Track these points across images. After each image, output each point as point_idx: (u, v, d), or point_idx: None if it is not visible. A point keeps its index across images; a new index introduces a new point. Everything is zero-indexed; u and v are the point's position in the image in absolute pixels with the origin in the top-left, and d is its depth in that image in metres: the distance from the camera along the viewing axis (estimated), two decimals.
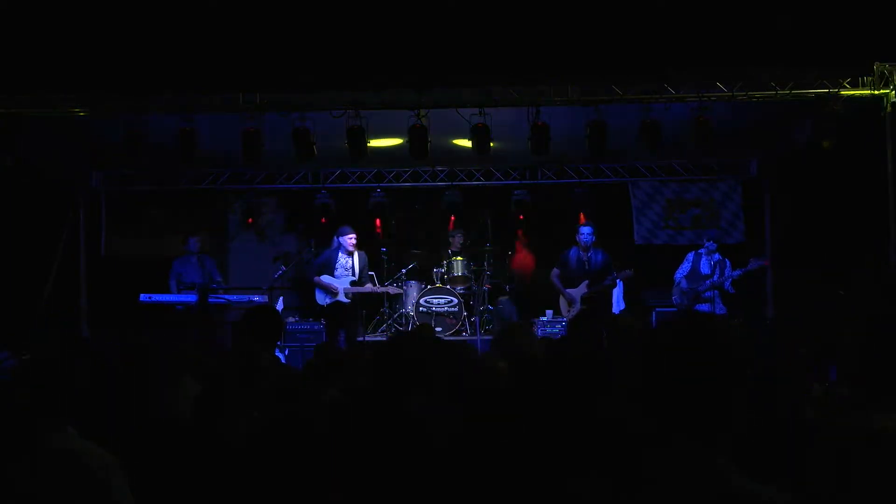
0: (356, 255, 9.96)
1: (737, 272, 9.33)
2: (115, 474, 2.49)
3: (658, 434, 1.60)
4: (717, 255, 9.63)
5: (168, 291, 10.23)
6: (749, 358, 1.62)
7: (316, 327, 10.44)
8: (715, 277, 9.42)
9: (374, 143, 9.15)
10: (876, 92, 8.08)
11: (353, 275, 9.94)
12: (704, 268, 9.58)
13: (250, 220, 12.30)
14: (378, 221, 12.13)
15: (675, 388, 1.59)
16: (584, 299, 9.45)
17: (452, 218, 12.07)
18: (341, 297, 9.86)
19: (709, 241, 9.74)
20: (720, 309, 9.48)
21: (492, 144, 8.73)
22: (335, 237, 10.17)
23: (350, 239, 9.93)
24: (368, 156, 9.06)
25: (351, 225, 10.24)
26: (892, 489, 1.87)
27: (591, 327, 9.14)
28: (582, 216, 11.14)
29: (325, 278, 9.92)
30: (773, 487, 1.54)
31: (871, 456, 1.88)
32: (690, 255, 9.77)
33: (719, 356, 1.60)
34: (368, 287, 10.08)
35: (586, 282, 9.43)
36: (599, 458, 2.02)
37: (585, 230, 9.49)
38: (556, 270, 9.69)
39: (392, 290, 10.40)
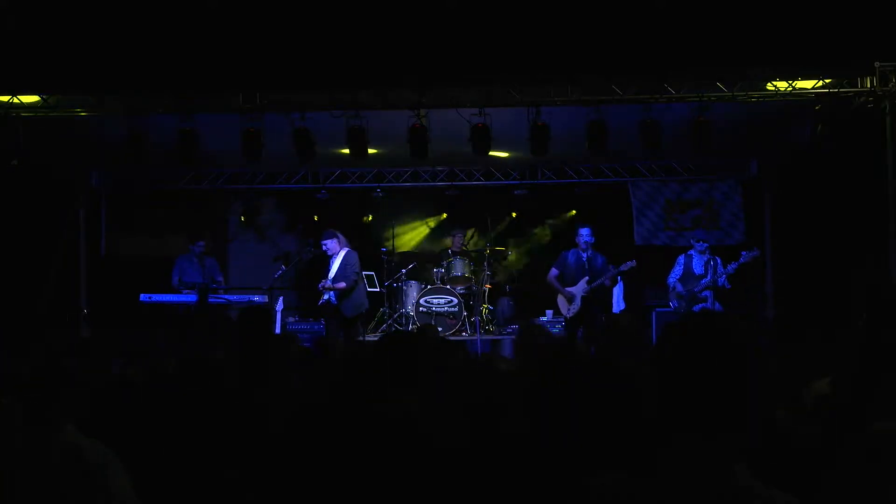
0: (338, 256, 9.86)
1: (731, 267, 9.26)
2: (114, 468, 2.54)
3: (672, 432, 1.60)
4: (707, 255, 9.56)
5: (170, 284, 10.22)
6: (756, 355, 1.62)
7: (316, 327, 10.46)
8: (708, 277, 9.36)
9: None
10: (877, 91, 8.10)
11: (328, 276, 9.86)
12: (697, 268, 9.51)
13: (250, 220, 12.32)
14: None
15: (689, 387, 1.59)
16: (584, 298, 9.43)
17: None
18: (326, 297, 9.86)
19: (697, 241, 9.64)
20: (717, 309, 9.42)
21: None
22: None
23: (323, 244, 9.89)
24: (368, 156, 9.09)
25: (340, 226, 10.24)
26: (888, 493, 1.87)
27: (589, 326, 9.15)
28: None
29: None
30: (788, 494, 1.54)
31: (870, 460, 1.89)
32: (681, 258, 9.67)
33: (734, 356, 1.60)
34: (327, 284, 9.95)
35: (586, 278, 9.40)
36: (613, 456, 2.02)
37: (584, 231, 9.45)
38: (554, 271, 9.63)
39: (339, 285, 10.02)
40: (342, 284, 9.67)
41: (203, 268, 10.28)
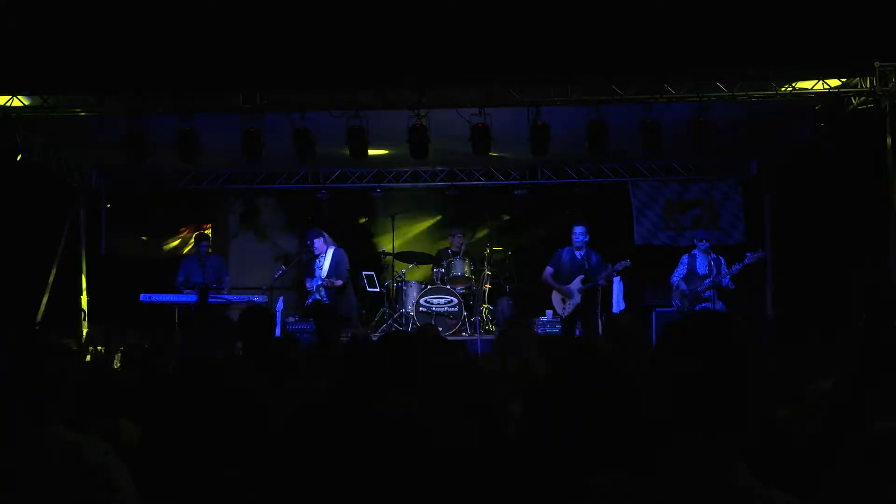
0: (325, 255, 9.81)
1: (735, 267, 9.27)
2: (114, 468, 2.55)
3: (672, 432, 1.60)
4: (710, 254, 9.59)
5: (172, 284, 10.21)
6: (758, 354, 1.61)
7: (315, 327, 10.46)
8: (712, 276, 9.39)
9: None
10: (877, 91, 8.10)
11: (319, 275, 9.82)
12: (702, 268, 9.53)
13: (250, 220, 12.32)
14: None
15: (689, 387, 1.59)
16: (579, 296, 9.43)
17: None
18: (316, 296, 9.80)
19: (699, 241, 9.69)
20: (719, 307, 9.43)
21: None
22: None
23: (311, 243, 9.82)
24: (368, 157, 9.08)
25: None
26: (888, 493, 1.88)
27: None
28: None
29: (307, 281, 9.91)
30: (788, 494, 1.54)
31: (870, 460, 1.89)
32: (685, 258, 9.70)
33: (734, 355, 1.60)
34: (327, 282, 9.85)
35: (581, 276, 9.40)
36: (613, 456, 2.02)
37: (579, 230, 9.46)
38: (549, 269, 9.63)
39: (337, 283, 9.80)
40: (339, 282, 9.65)
41: (203, 268, 10.28)
